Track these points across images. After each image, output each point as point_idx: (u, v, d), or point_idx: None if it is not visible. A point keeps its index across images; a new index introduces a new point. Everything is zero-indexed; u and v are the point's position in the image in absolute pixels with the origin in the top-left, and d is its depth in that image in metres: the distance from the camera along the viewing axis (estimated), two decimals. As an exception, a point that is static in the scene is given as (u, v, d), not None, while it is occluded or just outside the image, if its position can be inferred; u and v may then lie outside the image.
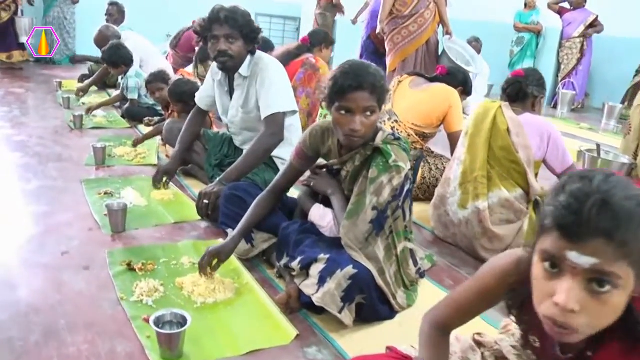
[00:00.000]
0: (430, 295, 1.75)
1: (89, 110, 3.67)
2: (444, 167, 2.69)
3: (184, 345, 1.29)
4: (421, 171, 2.68)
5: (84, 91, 4.31)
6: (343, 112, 1.50)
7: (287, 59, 3.16)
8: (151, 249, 1.86)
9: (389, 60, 4.44)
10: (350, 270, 1.44)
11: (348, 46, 8.57)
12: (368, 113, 1.49)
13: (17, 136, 3.15)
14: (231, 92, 2.38)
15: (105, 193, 2.33)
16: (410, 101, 2.76)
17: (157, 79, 3.33)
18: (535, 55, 7.56)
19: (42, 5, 6.25)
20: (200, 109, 2.55)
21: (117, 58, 3.64)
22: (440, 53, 4.51)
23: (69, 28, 6.24)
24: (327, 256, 1.49)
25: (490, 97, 6.88)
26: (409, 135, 2.68)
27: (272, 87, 2.20)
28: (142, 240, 1.94)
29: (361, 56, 4.71)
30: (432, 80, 2.89)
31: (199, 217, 2.14)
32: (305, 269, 1.54)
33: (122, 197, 2.29)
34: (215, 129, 2.92)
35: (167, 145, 2.97)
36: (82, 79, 4.89)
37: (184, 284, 1.62)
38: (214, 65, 2.39)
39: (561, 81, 7.26)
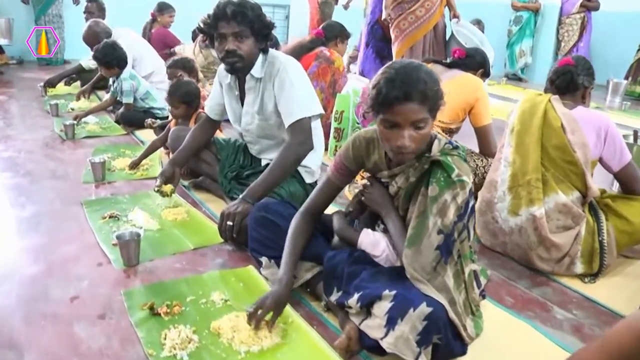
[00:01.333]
0: (493, 318, 1.56)
1: (77, 118, 3.35)
2: (476, 165, 2.48)
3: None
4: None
5: (85, 93, 4.01)
6: (389, 125, 1.29)
7: (299, 52, 2.92)
8: (174, 284, 1.62)
9: (395, 47, 4.19)
10: (424, 308, 1.22)
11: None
12: (418, 126, 1.27)
13: (4, 152, 2.86)
14: (242, 96, 2.12)
15: (111, 217, 2.08)
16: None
17: (177, 65, 3.03)
18: (534, 33, 7.37)
19: (34, 4, 5.90)
20: (210, 118, 2.29)
21: (111, 58, 3.32)
22: (448, 38, 4.28)
23: (62, 28, 5.89)
24: (393, 292, 1.27)
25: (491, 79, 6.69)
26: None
27: (293, 91, 1.96)
28: (161, 274, 1.69)
29: (367, 44, 4.45)
30: (450, 66, 2.67)
31: (222, 240, 1.91)
32: (366, 307, 1.32)
33: (130, 220, 2.04)
34: (221, 134, 2.65)
35: (172, 154, 2.71)
36: (68, 81, 4.56)
37: (221, 329, 1.38)
38: (221, 67, 2.13)
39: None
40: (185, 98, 2.58)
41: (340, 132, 2.90)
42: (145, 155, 2.64)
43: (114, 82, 3.48)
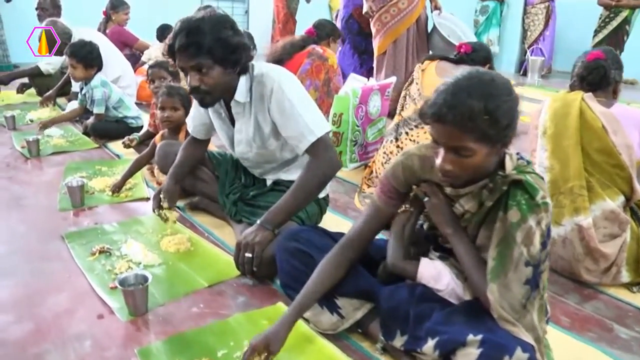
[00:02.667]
0: (557, 344, 1.37)
1: (42, 126, 3.03)
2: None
3: None
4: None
5: (50, 99, 3.60)
6: (434, 140, 1.12)
7: (290, 51, 2.70)
8: (197, 336, 1.37)
9: (377, 42, 4.01)
10: (520, 355, 1.05)
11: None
12: (461, 154, 1.08)
13: (-43, 177, 2.47)
14: (232, 117, 1.84)
15: (101, 251, 1.78)
16: (444, 94, 2.36)
17: (162, 65, 2.74)
18: (500, 23, 7.39)
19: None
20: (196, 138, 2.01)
21: (94, 57, 2.95)
22: (430, 30, 4.13)
23: (1, 28, 5.29)
24: (479, 337, 1.08)
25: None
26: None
27: (296, 113, 1.65)
28: (178, 323, 1.43)
29: (343, 39, 4.23)
30: (457, 62, 2.51)
31: (238, 272, 1.66)
32: (446, 354, 1.12)
33: (125, 255, 1.76)
34: (214, 148, 2.37)
35: (157, 171, 2.41)
36: (21, 88, 4.10)
37: (268, 391, 1.16)
38: None
39: (529, 48, 7.14)
40: (185, 101, 2.30)
41: (340, 136, 2.69)
42: (129, 175, 2.33)
43: (81, 89, 3.10)
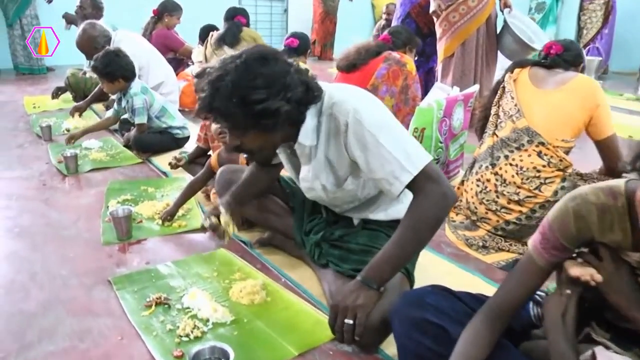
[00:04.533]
0: None
1: (72, 139, 2.72)
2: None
3: None
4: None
5: (80, 110, 3.31)
6: None
7: (365, 57, 2.39)
8: None
9: (443, 43, 3.62)
10: None
11: (352, 27, 7.74)
12: None
13: (-11, 200, 2.17)
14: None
15: (157, 303, 1.45)
16: (546, 107, 1.96)
17: None
18: (557, 20, 6.92)
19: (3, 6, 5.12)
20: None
21: (115, 68, 2.63)
22: (499, 30, 3.73)
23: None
24: None
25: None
26: (560, 160, 1.90)
27: (382, 143, 1.25)
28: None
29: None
30: (549, 66, 2.12)
31: (332, 335, 1.31)
32: None
33: (188, 310, 1.42)
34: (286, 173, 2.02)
35: (214, 195, 2.09)
36: (57, 93, 3.85)
37: None
38: None
39: (584, 47, 6.63)
40: None
41: (420, 153, 2.32)
42: (182, 202, 1.99)
43: (119, 99, 2.81)
